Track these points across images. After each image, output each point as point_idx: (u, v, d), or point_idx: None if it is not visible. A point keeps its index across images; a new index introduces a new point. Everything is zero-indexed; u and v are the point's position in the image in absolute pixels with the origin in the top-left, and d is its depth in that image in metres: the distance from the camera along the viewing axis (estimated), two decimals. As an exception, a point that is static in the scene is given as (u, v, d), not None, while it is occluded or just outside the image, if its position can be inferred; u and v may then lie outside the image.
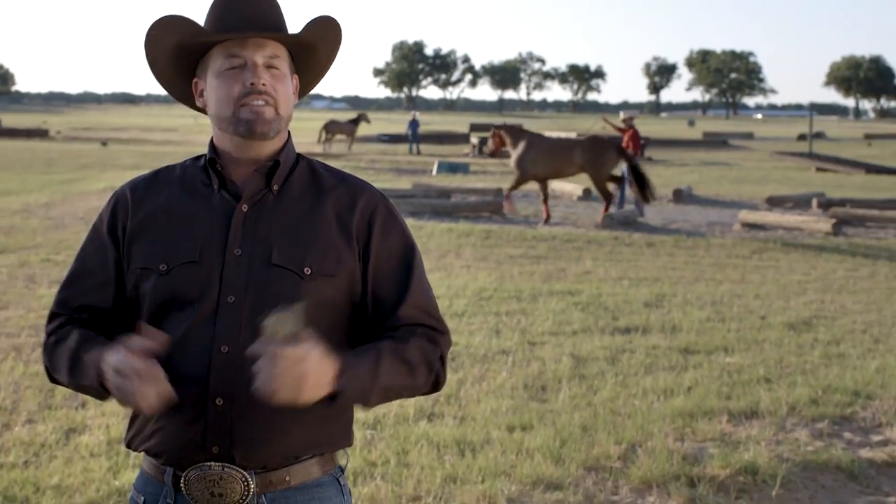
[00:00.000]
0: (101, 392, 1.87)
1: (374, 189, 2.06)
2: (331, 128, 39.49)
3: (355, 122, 40.10)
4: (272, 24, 1.94)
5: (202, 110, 2.03)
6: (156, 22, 1.94)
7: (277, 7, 1.99)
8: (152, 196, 2.00)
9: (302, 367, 1.70)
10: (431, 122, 71.19)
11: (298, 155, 2.06)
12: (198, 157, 2.06)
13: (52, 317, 2.03)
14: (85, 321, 1.99)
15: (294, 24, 2.00)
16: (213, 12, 1.96)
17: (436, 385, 2.00)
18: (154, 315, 1.93)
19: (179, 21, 1.93)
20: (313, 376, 1.72)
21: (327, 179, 2.03)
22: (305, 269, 1.91)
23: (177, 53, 1.98)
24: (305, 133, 42.27)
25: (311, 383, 1.72)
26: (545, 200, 15.43)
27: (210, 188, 1.98)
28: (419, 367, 1.93)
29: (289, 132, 2.07)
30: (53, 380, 2.02)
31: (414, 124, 38.80)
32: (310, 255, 1.92)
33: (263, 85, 1.91)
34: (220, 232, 1.93)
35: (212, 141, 2.01)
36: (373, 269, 1.98)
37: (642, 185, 14.45)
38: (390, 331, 1.96)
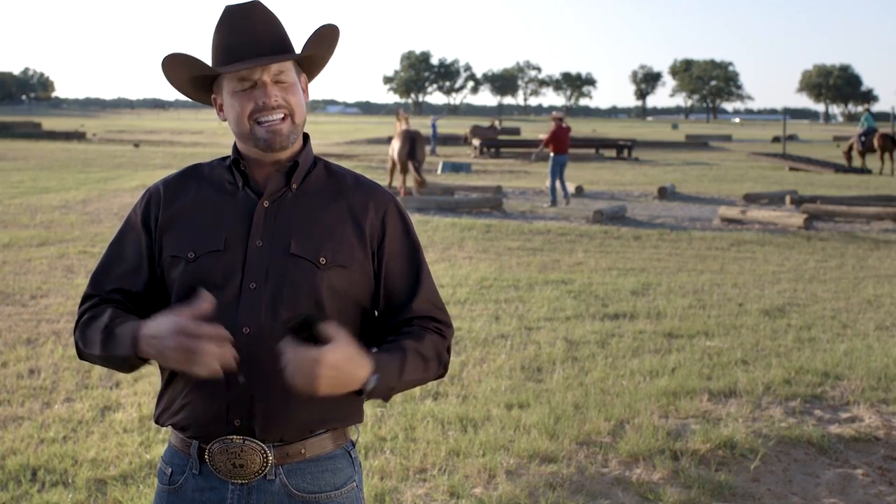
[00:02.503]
0: (134, 361, 1.85)
1: (385, 191, 2.07)
2: (475, 132, 42.71)
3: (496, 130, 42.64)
4: (275, 45, 1.93)
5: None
6: (165, 60, 1.93)
7: (277, 25, 1.96)
8: (183, 192, 2.01)
9: (316, 368, 1.70)
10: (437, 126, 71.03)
11: (315, 157, 2.06)
12: (224, 158, 2.07)
13: (85, 298, 2.02)
14: (117, 301, 1.98)
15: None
16: (219, 39, 1.94)
17: (444, 372, 2.03)
18: (182, 299, 1.93)
19: (186, 59, 1.93)
20: (335, 376, 1.72)
21: (342, 180, 2.04)
22: (321, 259, 1.92)
23: (192, 82, 1.99)
24: (321, 135, 42.13)
25: (331, 382, 1.73)
26: (402, 184, 17.79)
27: (235, 186, 1.99)
28: (432, 361, 1.97)
29: (307, 135, 2.07)
30: (82, 356, 1.99)
31: (434, 127, 39.33)
32: (325, 247, 1.93)
33: (275, 101, 1.91)
34: (244, 225, 1.94)
35: (235, 145, 2.02)
36: (385, 267, 1.99)
37: (417, 169, 17.03)
38: (404, 324, 1.99)
